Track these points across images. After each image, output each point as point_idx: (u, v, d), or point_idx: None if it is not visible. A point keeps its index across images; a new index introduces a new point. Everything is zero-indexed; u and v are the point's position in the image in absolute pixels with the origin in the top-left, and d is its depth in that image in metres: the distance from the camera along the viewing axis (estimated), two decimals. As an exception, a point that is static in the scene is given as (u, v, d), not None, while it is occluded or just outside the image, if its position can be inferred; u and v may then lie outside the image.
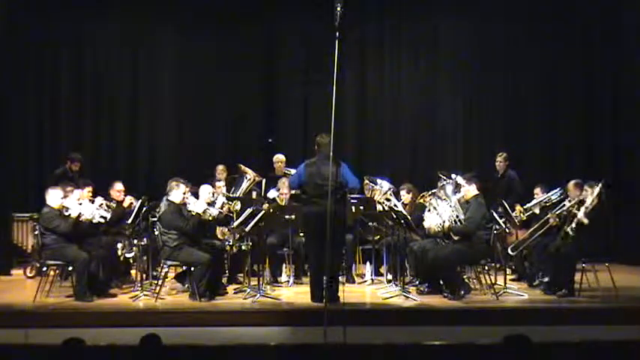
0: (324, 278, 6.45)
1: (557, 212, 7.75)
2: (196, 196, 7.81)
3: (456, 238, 7.52)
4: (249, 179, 8.90)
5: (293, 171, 9.09)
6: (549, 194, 8.34)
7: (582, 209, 7.33)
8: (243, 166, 9.06)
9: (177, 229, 7.36)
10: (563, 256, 7.42)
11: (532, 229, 8.01)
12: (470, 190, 7.59)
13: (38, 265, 8.25)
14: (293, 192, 8.13)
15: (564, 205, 7.73)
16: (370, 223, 8.58)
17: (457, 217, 7.50)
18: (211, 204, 7.81)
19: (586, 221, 7.28)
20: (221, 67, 11.04)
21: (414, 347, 5.36)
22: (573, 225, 7.36)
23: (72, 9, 10.71)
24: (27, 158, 10.78)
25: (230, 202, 7.98)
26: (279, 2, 10.91)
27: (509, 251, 8.17)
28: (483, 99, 11.19)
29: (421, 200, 8.44)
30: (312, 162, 7.29)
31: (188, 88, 11.11)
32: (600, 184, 7.40)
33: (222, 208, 7.89)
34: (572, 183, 7.82)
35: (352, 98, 11.18)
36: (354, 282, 8.60)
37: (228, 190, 8.94)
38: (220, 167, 9.54)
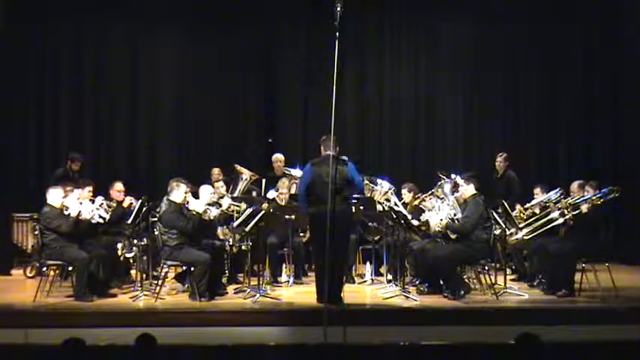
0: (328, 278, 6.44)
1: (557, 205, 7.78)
2: (196, 196, 7.82)
3: (453, 237, 7.53)
4: (245, 179, 8.91)
5: (293, 171, 9.11)
6: (549, 194, 8.34)
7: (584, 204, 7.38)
8: (239, 167, 9.07)
9: (177, 228, 7.36)
10: (563, 256, 7.42)
11: (532, 227, 8.01)
12: (467, 190, 7.60)
13: (38, 265, 8.24)
14: (297, 192, 8.07)
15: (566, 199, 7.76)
16: (370, 223, 8.58)
17: (454, 215, 7.51)
18: (215, 204, 7.81)
19: (585, 210, 7.31)
20: (221, 67, 11.03)
21: (414, 347, 5.34)
22: (574, 212, 7.38)
23: (72, 9, 10.70)
24: (27, 158, 10.75)
25: (237, 205, 7.97)
26: (279, 2, 10.91)
27: (508, 241, 8.15)
28: (483, 99, 11.18)
29: (416, 202, 8.47)
30: (318, 161, 7.21)
31: (188, 88, 11.10)
32: (612, 193, 7.43)
33: (228, 209, 7.89)
34: (576, 184, 7.90)
35: (352, 98, 11.16)
36: (354, 282, 8.60)
37: (226, 191, 8.95)
38: (216, 170, 9.53)
